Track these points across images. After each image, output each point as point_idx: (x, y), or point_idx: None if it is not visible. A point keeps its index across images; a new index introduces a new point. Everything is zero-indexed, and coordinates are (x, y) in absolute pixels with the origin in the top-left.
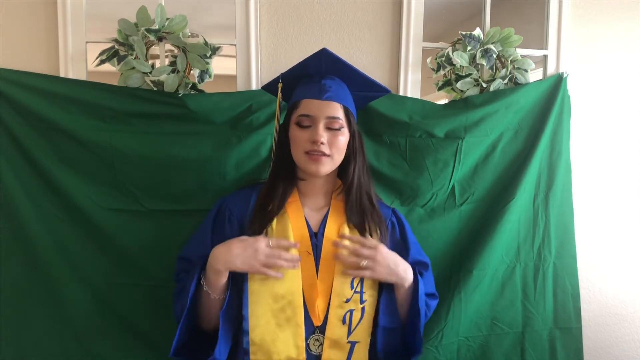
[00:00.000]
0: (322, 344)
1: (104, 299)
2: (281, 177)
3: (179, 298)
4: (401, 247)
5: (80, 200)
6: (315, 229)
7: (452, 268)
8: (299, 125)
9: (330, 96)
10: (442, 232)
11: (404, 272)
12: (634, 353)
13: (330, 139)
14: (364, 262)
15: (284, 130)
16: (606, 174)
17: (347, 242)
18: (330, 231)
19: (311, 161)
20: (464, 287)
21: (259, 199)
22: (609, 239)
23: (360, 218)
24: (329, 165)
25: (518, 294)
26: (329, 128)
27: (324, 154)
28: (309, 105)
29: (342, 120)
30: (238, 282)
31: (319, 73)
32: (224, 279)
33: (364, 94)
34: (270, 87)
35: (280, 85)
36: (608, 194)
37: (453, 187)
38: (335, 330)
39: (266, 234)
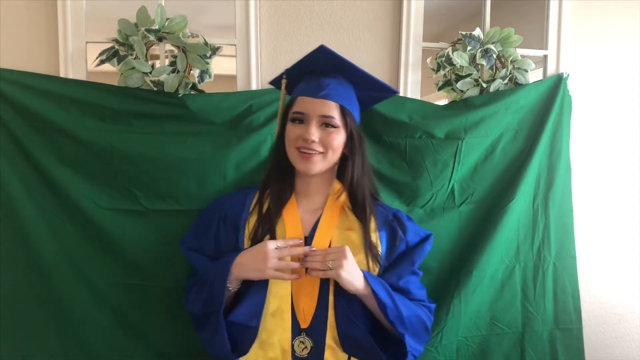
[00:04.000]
0: (306, 347)
1: (104, 299)
2: (278, 174)
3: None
4: (402, 258)
5: (80, 200)
6: (306, 232)
7: (452, 269)
8: (293, 121)
9: (326, 94)
10: (442, 233)
11: (360, 279)
12: (634, 353)
13: (323, 137)
14: (329, 263)
15: (281, 128)
16: (606, 174)
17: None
18: (320, 236)
19: (302, 159)
20: (464, 287)
21: (258, 200)
22: (609, 239)
23: (363, 215)
24: (320, 164)
25: (517, 294)
26: (323, 127)
27: (316, 152)
28: (303, 103)
29: (337, 119)
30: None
31: (322, 71)
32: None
33: (371, 94)
34: (275, 82)
35: (284, 80)
36: (608, 194)
37: (453, 187)
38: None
39: (271, 237)
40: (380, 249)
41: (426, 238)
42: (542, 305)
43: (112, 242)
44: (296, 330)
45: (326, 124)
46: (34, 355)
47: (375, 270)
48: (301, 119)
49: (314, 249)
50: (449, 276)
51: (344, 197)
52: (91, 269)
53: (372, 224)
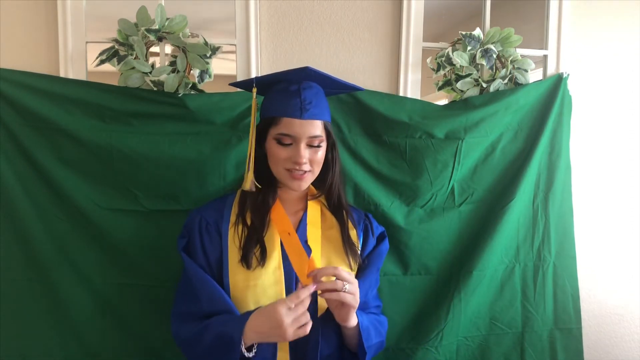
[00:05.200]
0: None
1: (103, 299)
2: (263, 188)
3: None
4: (369, 264)
5: (80, 200)
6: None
7: (452, 269)
8: (280, 142)
9: (312, 114)
10: (442, 233)
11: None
12: (634, 353)
13: (311, 155)
14: (346, 286)
15: (258, 141)
16: (606, 174)
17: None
18: (311, 232)
19: (293, 179)
20: (464, 288)
21: (240, 210)
22: (609, 239)
23: (339, 217)
24: (309, 180)
25: (517, 294)
26: (309, 145)
27: (306, 172)
28: (290, 125)
29: (322, 136)
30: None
31: (297, 79)
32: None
33: (337, 91)
34: (241, 86)
35: (255, 89)
36: (608, 194)
37: (452, 187)
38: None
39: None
40: (359, 246)
41: (382, 238)
42: (541, 305)
43: (112, 242)
44: None
45: (312, 143)
46: (34, 355)
47: (355, 267)
48: (289, 142)
49: (320, 269)
50: (449, 276)
51: (322, 199)
52: (91, 269)
53: (349, 223)
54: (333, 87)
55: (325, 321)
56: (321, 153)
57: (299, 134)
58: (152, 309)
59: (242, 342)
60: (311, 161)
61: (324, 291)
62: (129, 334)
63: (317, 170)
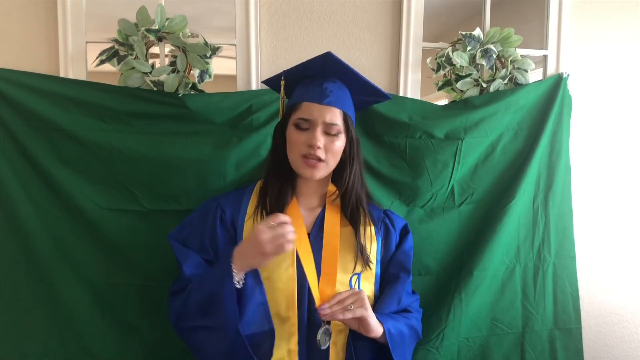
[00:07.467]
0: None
1: (103, 299)
2: (278, 176)
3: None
4: (398, 256)
5: (80, 200)
6: (308, 229)
7: (452, 269)
8: (298, 127)
9: (331, 101)
10: (442, 233)
11: (378, 325)
12: (634, 353)
13: (327, 144)
14: (351, 306)
15: (280, 130)
16: (606, 174)
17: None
18: (330, 228)
19: (306, 166)
20: (465, 288)
21: (259, 204)
22: (609, 238)
23: (355, 219)
24: (323, 171)
25: (518, 295)
26: (326, 133)
27: (320, 159)
28: (308, 109)
29: (340, 126)
30: None
31: (322, 75)
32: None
33: (364, 99)
34: (271, 82)
35: (282, 82)
36: (608, 194)
37: (452, 187)
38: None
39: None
40: (375, 244)
41: (406, 232)
42: (542, 305)
43: (112, 242)
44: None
45: (330, 131)
46: (34, 355)
47: (361, 269)
48: (306, 126)
49: (325, 305)
50: (449, 276)
51: (338, 198)
52: (91, 269)
53: (366, 220)
54: (360, 91)
55: (355, 340)
56: (338, 144)
57: (316, 117)
58: (152, 309)
59: (233, 264)
60: (327, 149)
61: (334, 318)
62: (129, 334)
63: (333, 162)
